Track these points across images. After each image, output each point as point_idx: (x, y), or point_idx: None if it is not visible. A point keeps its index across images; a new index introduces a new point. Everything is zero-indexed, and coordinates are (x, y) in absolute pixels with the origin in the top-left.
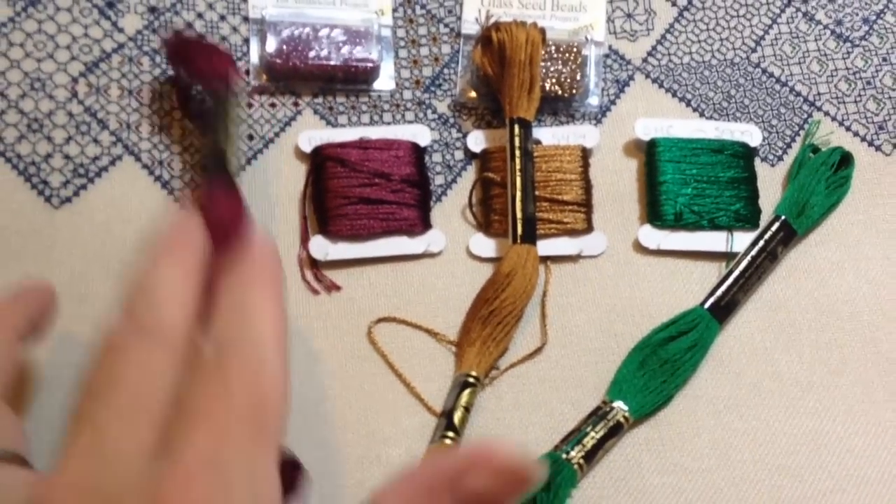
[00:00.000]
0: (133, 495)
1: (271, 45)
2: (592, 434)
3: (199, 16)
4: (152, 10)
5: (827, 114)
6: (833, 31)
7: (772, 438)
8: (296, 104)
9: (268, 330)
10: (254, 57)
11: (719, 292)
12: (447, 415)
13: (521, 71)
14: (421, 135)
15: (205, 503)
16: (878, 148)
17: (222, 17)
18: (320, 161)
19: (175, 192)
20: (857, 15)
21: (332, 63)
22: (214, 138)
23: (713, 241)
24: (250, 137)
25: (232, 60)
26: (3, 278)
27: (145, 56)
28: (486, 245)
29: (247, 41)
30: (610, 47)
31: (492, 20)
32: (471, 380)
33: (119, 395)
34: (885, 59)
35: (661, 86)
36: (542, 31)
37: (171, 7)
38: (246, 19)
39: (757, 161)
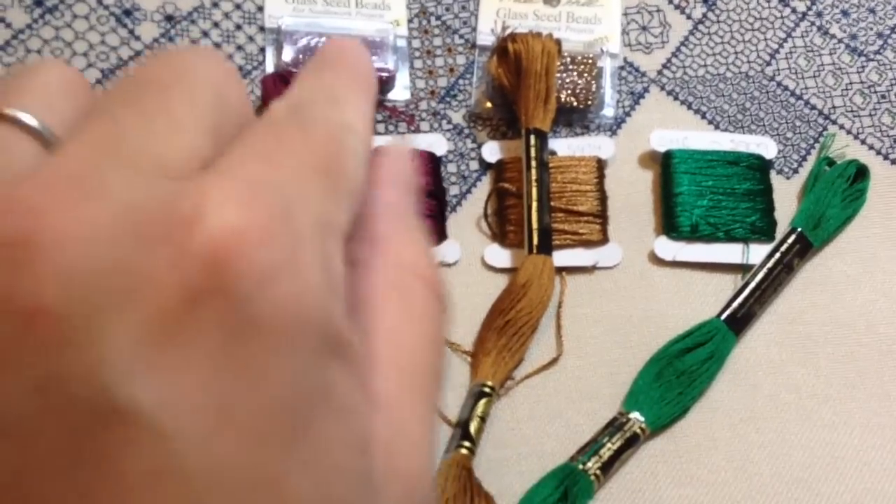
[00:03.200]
0: (157, 210)
1: (287, 54)
2: (609, 445)
3: (216, 25)
4: (169, 18)
5: (842, 127)
6: (848, 45)
7: (788, 451)
8: None
9: (359, 122)
10: (269, 66)
11: (735, 304)
12: (463, 425)
13: (536, 82)
14: (437, 144)
15: (264, 237)
16: (893, 161)
17: (238, 27)
18: None
19: None
20: (871, 29)
21: None
22: None
23: (729, 253)
24: None
25: None
26: None
27: None
28: (501, 256)
29: (263, 50)
30: (625, 59)
31: (507, 31)
32: (486, 390)
33: (167, 89)
34: None
35: (676, 98)
36: (558, 43)
37: (188, 16)
38: (262, 29)
39: (772, 173)
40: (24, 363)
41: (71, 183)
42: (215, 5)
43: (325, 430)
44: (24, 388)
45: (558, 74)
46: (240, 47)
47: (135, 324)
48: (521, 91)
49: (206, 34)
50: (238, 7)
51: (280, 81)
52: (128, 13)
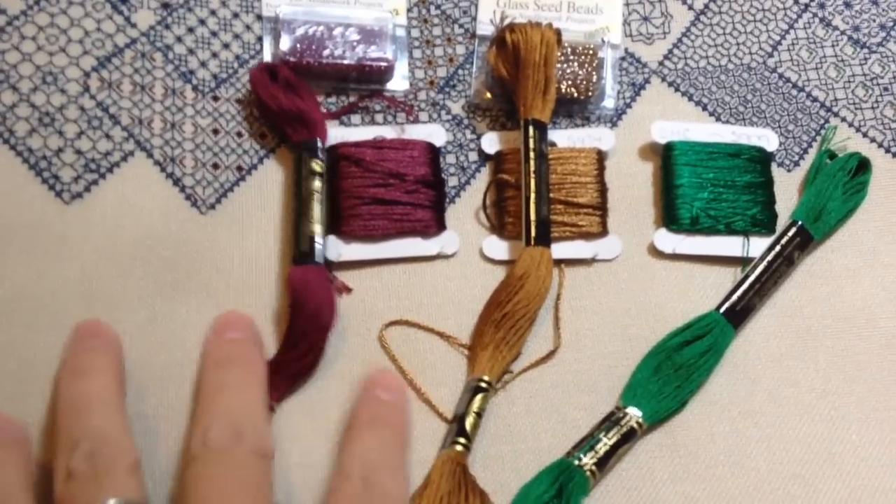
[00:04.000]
0: None
1: (285, 43)
2: (605, 440)
3: (213, 13)
4: (165, 5)
5: (844, 119)
6: (850, 37)
7: (786, 446)
8: None
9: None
10: (267, 55)
11: (735, 297)
12: (459, 420)
13: (535, 72)
14: (436, 135)
15: None
16: (895, 154)
17: (235, 15)
18: (334, 160)
19: (186, 189)
20: (874, 21)
21: (347, 62)
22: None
23: (729, 245)
24: (262, 136)
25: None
26: (14, 273)
27: (158, 52)
28: (499, 247)
29: (260, 39)
30: (626, 50)
31: (507, 21)
32: (483, 384)
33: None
34: None
35: (677, 89)
36: (558, 33)
37: (185, 3)
38: (259, 17)
39: (773, 166)
40: None
41: None
42: None
43: None
44: None
45: (558, 65)
46: (237, 36)
47: None
48: (520, 82)
49: (202, 22)
50: None
51: (267, 73)
52: (124, 0)
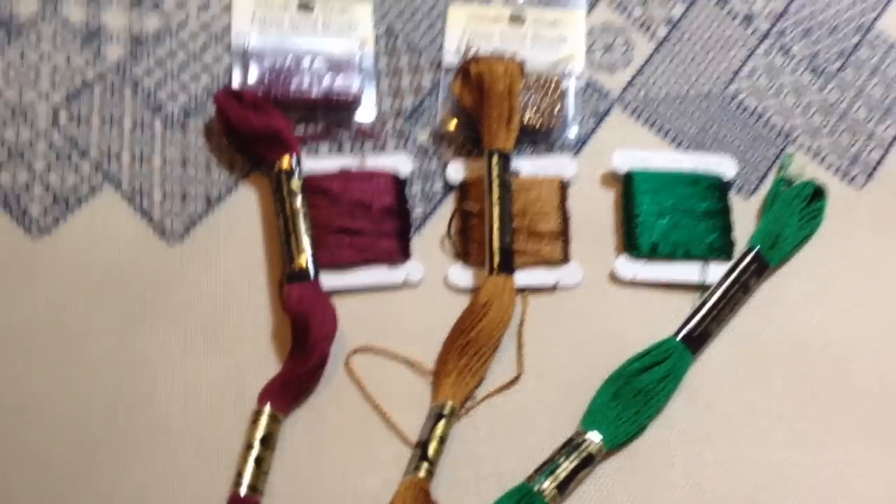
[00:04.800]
0: None
1: (253, 74)
2: (565, 465)
3: (182, 45)
4: (135, 39)
5: (801, 146)
6: (808, 65)
7: (744, 469)
8: None
9: None
10: (235, 86)
11: (692, 323)
12: (422, 446)
13: (499, 103)
14: (401, 165)
15: None
16: (851, 180)
17: (205, 47)
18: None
19: (154, 221)
20: (832, 48)
21: (314, 94)
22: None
23: (688, 272)
24: (231, 166)
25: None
26: None
27: (126, 86)
28: (464, 275)
29: (229, 70)
30: (589, 79)
31: (471, 52)
32: (446, 410)
33: None
34: (859, 93)
35: (638, 117)
36: (521, 64)
37: (155, 36)
38: (229, 49)
39: (732, 193)
40: None
41: None
42: (182, 26)
43: None
44: None
45: (522, 94)
46: (206, 67)
47: None
48: (484, 112)
49: (171, 55)
50: (205, 28)
51: (232, 96)
52: (93, 34)
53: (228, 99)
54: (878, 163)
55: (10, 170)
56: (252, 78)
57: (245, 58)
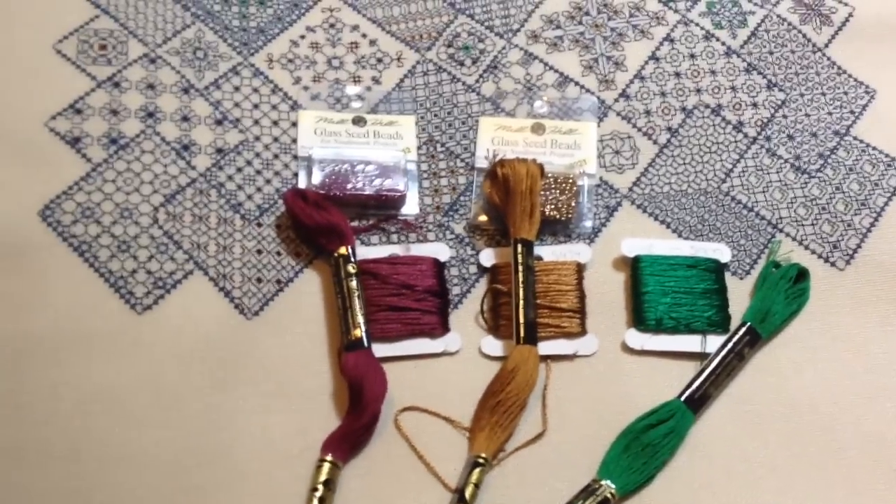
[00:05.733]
0: None
1: (316, 177)
2: None
3: (257, 155)
4: (219, 150)
5: (788, 235)
6: (793, 165)
7: None
8: None
9: None
10: (301, 187)
11: (693, 387)
12: (460, 491)
13: (522, 199)
14: (441, 252)
15: None
16: (832, 264)
17: (276, 156)
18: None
19: (235, 300)
20: (813, 151)
21: (366, 193)
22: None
23: (689, 343)
24: (297, 254)
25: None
26: (97, 371)
27: (213, 188)
28: (495, 345)
29: (296, 175)
30: (601, 178)
31: (498, 157)
32: (480, 460)
33: None
34: (838, 188)
35: (644, 210)
36: (541, 166)
37: (235, 148)
38: (296, 157)
39: (728, 275)
40: None
41: None
42: (257, 139)
43: None
44: None
45: (543, 192)
46: (277, 173)
47: None
48: (509, 207)
49: (249, 163)
50: (276, 140)
51: (298, 196)
52: (186, 147)
53: (296, 198)
54: (857, 249)
55: (120, 259)
56: (315, 180)
57: (309, 164)
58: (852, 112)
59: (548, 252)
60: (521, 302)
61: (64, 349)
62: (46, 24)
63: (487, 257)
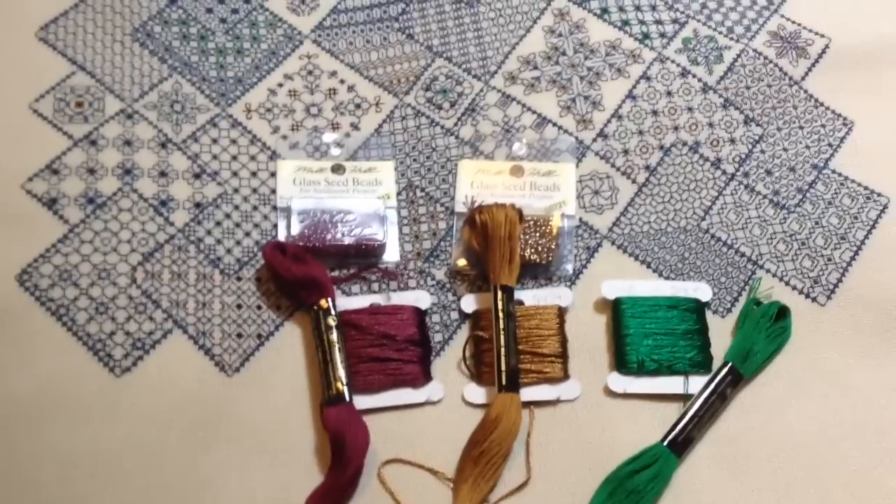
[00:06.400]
0: None
1: (295, 228)
2: None
3: (236, 207)
4: (197, 205)
5: (768, 271)
6: (771, 200)
7: None
8: None
9: None
10: (281, 238)
11: (677, 430)
12: None
13: (501, 246)
14: (422, 299)
15: None
16: (814, 300)
17: (255, 208)
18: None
19: (215, 357)
20: (792, 185)
21: (346, 242)
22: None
23: (672, 384)
24: (278, 307)
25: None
26: (76, 435)
27: (191, 244)
28: (478, 393)
29: (275, 226)
30: (581, 219)
31: (476, 203)
32: None
33: None
34: (817, 223)
35: (625, 251)
36: (520, 211)
37: (213, 201)
38: (275, 208)
39: (708, 313)
40: None
41: None
42: (236, 191)
43: None
44: None
45: (523, 235)
46: (256, 224)
47: None
48: (489, 254)
49: (228, 216)
50: (255, 191)
51: (277, 250)
52: (163, 203)
53: (274, 252)
54: (837, 283)
55: (98, 321)
56: (294, 231)
57: (288, 215)
58: (830, 145)
59: (529, 296)
60: (503, 349)
61: (44, 414)
62: (23, 82)
63: (469, 303)
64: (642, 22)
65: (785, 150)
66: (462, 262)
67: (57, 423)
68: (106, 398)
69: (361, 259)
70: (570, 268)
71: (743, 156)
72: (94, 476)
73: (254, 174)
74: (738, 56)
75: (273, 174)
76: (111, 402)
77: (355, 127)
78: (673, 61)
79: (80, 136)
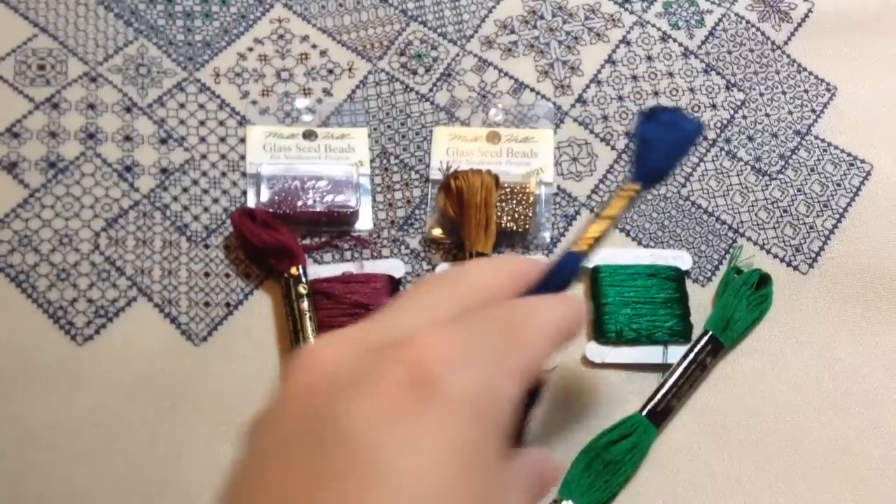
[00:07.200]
0: (387, 342)
1: (265, 195)
2: None
3: (204, 174)
4: (163, 170)
5: (749, 239)
6: (753, 167)
7: None
8: None
9: (548, 324)
10: (250, 205)
11: (655, 400)
12: None
13: (477, 212)
14: (396, 268)
15: (444, 358)
16: (795, 268)
17: (223, 174)
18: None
19: (181, 326)
20: (774, 152)
21: (317, 209)
22: None
23: (651, 354)
24: (247, 276)
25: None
26: (37, 406)
27: (157, 211)
28: None
29: (245, 193)
30: (558, 187)
31: (451, 169)
32: None
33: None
34: (799, 190)
35: None
36: (496, 177)
37: (181, 167)
38: (244, 174)
39: (689, 282)
40: None
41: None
42: (204, 157)
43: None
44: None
45: (499, 203)
46: (225, 191)
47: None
48: (464, 220)
49: (195, 182)
50: (223, 157)
51: (246, 216)
52: (128, 168)
53: (243, 218)
54: (819, 251)
55: (59, 288)
56: (264, 198)
57: (258, 181)
58: (813, 111)
59: None
60: None
61: (2, 383)
62: None
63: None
64: None
65: (767, 115)
66: (437, 231)
67: (17, 393)
68: (67, 367)
69: (333, 227)
70: (547, 236)
71: (724, 121)
72: (55, 447)
73: (222, 140)
74: (720, 20)
75: (242, 140)
76: (73, 371)
77: (328, 93)
78: (653, 25)
79: (42, 99)
